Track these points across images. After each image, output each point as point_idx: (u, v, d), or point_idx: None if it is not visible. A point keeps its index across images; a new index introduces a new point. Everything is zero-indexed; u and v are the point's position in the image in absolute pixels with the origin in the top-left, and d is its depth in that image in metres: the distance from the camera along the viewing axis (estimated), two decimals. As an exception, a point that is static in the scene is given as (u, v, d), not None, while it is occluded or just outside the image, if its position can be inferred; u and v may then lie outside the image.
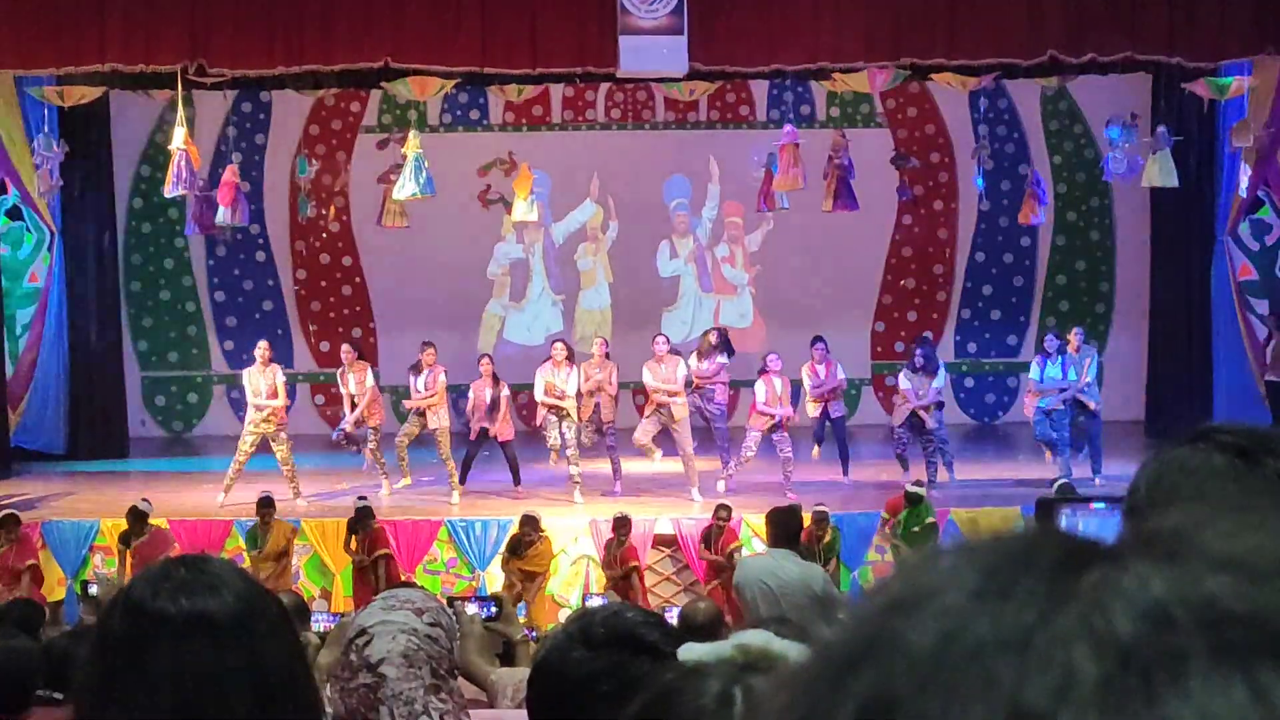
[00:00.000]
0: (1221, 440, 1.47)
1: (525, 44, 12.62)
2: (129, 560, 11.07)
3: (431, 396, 12.87)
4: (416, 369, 13.08)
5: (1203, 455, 1.48)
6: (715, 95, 16.56)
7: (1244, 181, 14.05)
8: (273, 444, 12.74)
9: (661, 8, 12.22)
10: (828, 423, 13.51)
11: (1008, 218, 16.54)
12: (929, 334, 16.22)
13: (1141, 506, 1.52)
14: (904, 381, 13.28)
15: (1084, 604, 0.49)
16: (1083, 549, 0.52)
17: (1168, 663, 0.47)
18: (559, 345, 13.12)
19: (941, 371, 13.49)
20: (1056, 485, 11.89)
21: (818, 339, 13.55)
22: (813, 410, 13.39)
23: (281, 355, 15.60)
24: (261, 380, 12.76)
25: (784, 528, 7.54)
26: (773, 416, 12.81)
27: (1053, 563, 0.51)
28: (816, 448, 13.64)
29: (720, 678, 1.39)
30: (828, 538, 11.18)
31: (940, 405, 13.26)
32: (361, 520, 11.47)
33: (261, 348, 12.99)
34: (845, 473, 13.40)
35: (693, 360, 13.00)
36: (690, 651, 1.53)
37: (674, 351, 13.05)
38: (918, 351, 13.50)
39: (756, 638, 1.49)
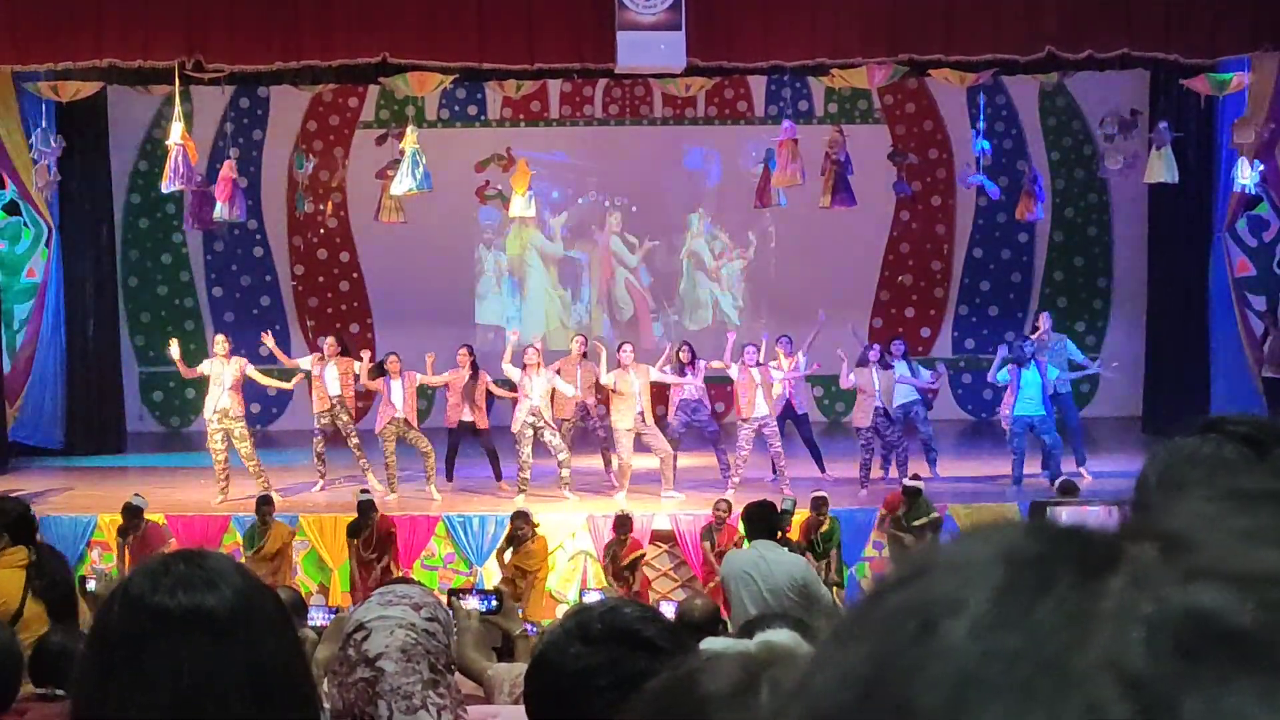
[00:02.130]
0: (1231, 431, 1.47)
1: (523, 39, 12.62)
2: (126, 555, 11.07)
3: (409, 406, 12.83)
4: (383, 374, 12.95)
5: (1213, 446, 1.47)
6: (713, 91, 16.56)
7: (1252, 176, 13.99)
8: (234, 441, 12.69)
9: (660, 3, 12.22)
10: (790, 420, 13.50)
11: (1006, 214, 16.54)
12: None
13: (1150, 499, 1.51)
14: (853, 375, 13.15)
15: (1106, 636, 0.48)
16: (1098, 560, 0.51)
17: (1198, 698, 0.46)
18: (531, 350, 12.89)
19: (901, 368, 13.30)
20: (1059, 483, 11.87)
21: (782, 336, 13.55)
22: (774, 409, 13.22)
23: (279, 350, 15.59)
24: (226, 372, 12.73)
25: (759, 520, 7.73)
26: (761, 422, 12.78)
27: (1069, 582, 0.50)
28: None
29: (742, 666, 1.40)
30: (825, 526, 11.15)
31: (913, 401, 13.21)
32: (364, 517, 11.42)
33: (222, 342, 12.96)
34: (821, 470, 13.39)
35: (662, 371, 12.98)
36: (713, 645, 1.54)
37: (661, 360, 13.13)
38: (875, 345, 13.44)
39: (784, 638, 1.49)
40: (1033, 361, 12.81)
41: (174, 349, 13.22)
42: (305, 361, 13.45)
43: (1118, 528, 0.53)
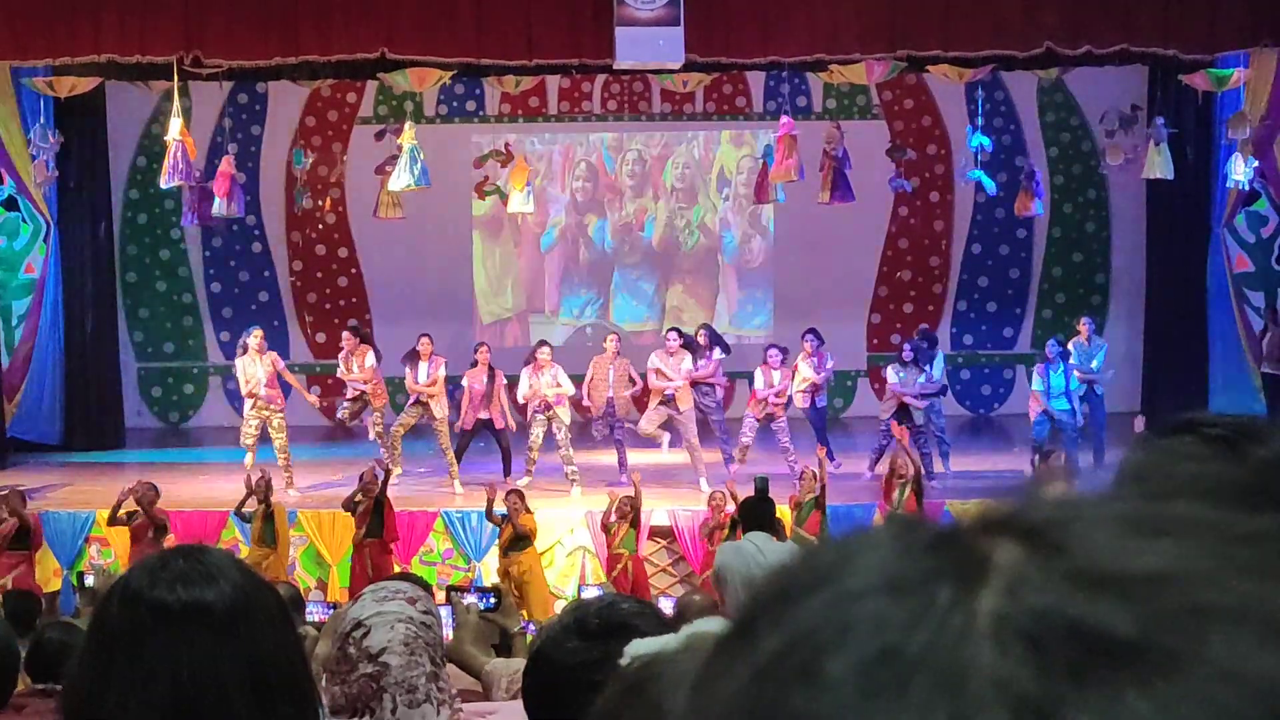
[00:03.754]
0: (1207, 432, 1.45)
1: (521, 35, 12.62)
2: (130, 544, 11.00)
3: (432, 386, 12.92)
4: (413, 359, 13.10)
5: (1188, 446, 1.46)
6: (711, 87, 16.55)
7: (1246, 172, 13.99)
8: (270, 431, 12.77)
9: (658, -1, 12.22)
10: (810, 412, 13.55)
11: (1004, 210, 16.52)
12: (926, 326, 16.07)
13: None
14: (891, 375, 13.25)
15: (992, 660, 0.46)
16: (969, 571, 0.48)
17: (1092, 717, 0.44)
18: (545, 349, 13.08)
19: (938, 362, 13.44)
20: (1040, 452, 11.94)
21: (809, 331, 13.58)
22: (800, 401, 13.35)
23: (277, 346, 15.54)
24: (259, 370, 12.78)
25: (754, 514, 7.75)
26: (768, 403, 12.88)
27: (947, 601, 0.47)
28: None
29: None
30: (813, 494, 11.10)
31: (933, 395, 13.24)
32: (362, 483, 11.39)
33: (256, 336, 13.00)
34: (823, 444, 13.43)
35: (687, 360, 13.05)
36: (637, 647, 1.52)
37: (686, 346, 13.13)
38: (907, 345, 13.49)
39: (710, 626, 1.48)
40: (1061, 364, 12.90)
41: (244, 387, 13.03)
42: (341, 371, 13.52)
43: (981, 523, 0.50)
